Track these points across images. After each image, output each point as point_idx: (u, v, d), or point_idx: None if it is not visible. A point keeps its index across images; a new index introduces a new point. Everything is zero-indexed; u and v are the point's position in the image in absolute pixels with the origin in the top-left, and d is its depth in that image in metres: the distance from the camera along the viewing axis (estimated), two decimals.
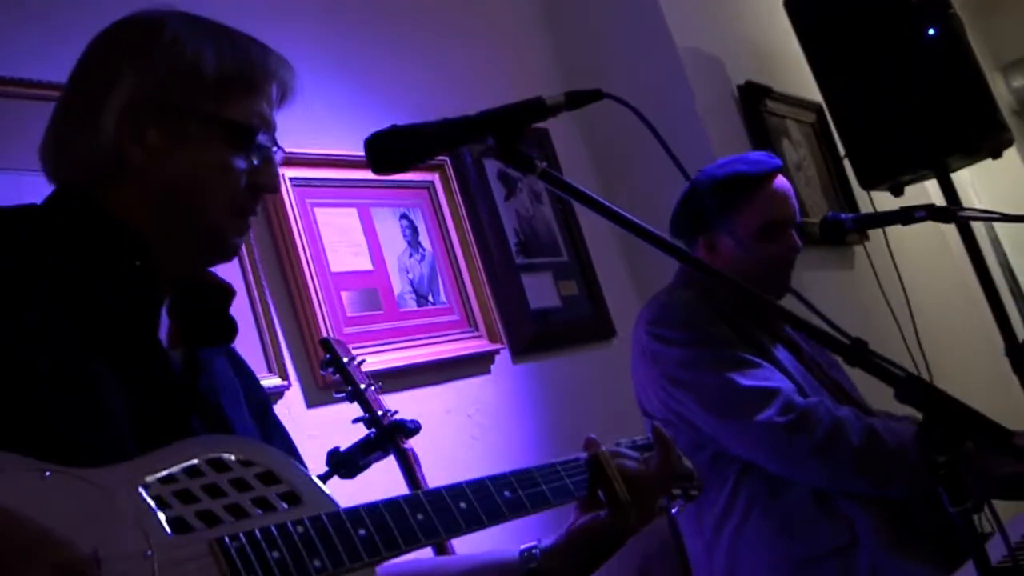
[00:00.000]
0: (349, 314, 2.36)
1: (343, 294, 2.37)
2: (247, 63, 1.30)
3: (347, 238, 2.45)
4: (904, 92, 3.11)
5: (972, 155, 3.29)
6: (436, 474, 1.93)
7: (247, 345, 2.04)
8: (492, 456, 2.56)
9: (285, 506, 1.14)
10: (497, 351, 2.67)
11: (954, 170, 3.30)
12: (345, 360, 1.68)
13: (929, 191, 3.55)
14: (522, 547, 1.38)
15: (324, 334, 2.24)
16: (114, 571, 0.99)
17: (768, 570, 2.03)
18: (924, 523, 1.93)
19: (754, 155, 2.35)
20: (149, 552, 1.04)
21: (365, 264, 2.46)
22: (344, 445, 2.02)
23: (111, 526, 1.04)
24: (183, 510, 1.08)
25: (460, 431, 2.53)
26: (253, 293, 2.18)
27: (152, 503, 1.08)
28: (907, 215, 2.12)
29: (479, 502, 1.25)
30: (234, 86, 1.28)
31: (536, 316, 2.81)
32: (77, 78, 1.30)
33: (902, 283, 2.94)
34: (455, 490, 1.23)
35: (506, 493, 1.27)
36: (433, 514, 1.20)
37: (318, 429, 2.20)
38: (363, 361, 1.73)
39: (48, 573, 0.91)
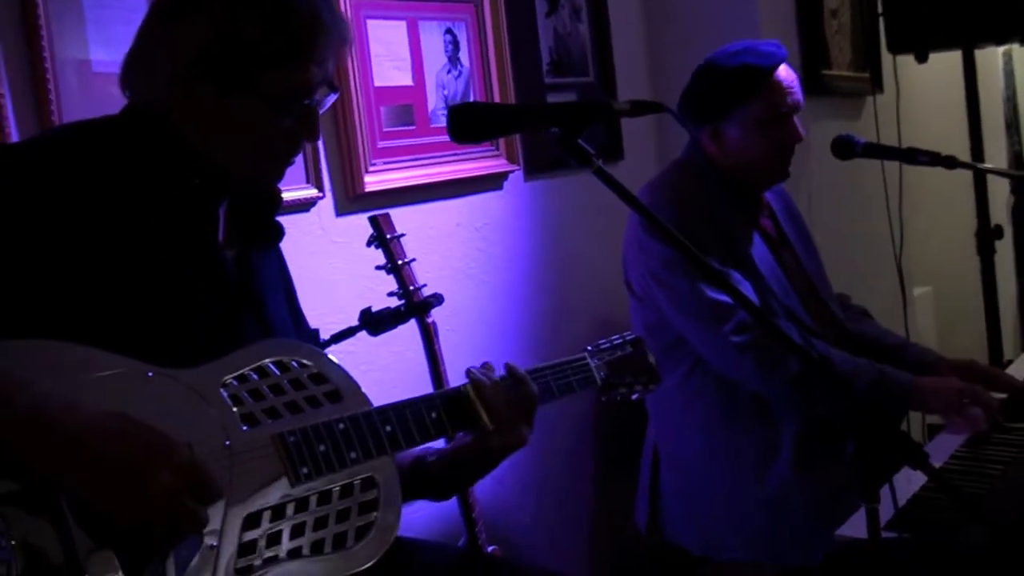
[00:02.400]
0: (385, 128, 2.52)
1: (382, 108, 2.52)
2: (299, 29, 1.41)
3: (392, 52, 2.56)
4: None
5: (1001, 41, 3.38)
6: (440, 283, 2.17)
7: None
8: (493, 268, 2.81)
9: (329, 404, 1.41)
10: (513, 171, 2.85)
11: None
12: (388, 237, 1.88)
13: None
14: (428, 448, 1.64)
15: (360, 149, 2.42)
16: (203, 457, 1.24)
17: (699, 453, 2.36)
18: (843, 453, 2.25)
19: (763, 45, 2.46)
20: (228, 442, 1.31)
21: (406, 79, 2.59)
22: (369, 269, 2.28)
23: (200, 420, 1.30)
24: (253, 407, 1.35)
25: (467, 243, 2.76)
26: None
27: (230, 401, 1.33)
28: (911, 155, 2.28)
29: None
30: (284, 53, 1.41)
31: (553, 137, 2.96)
32: (160, 10, 1.45)
33: (900, 141, 3.13)
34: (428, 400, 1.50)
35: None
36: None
37: (343, 236, 2.42)
38: (403, 235, 1.93)
39: (172, 475, 1.16)
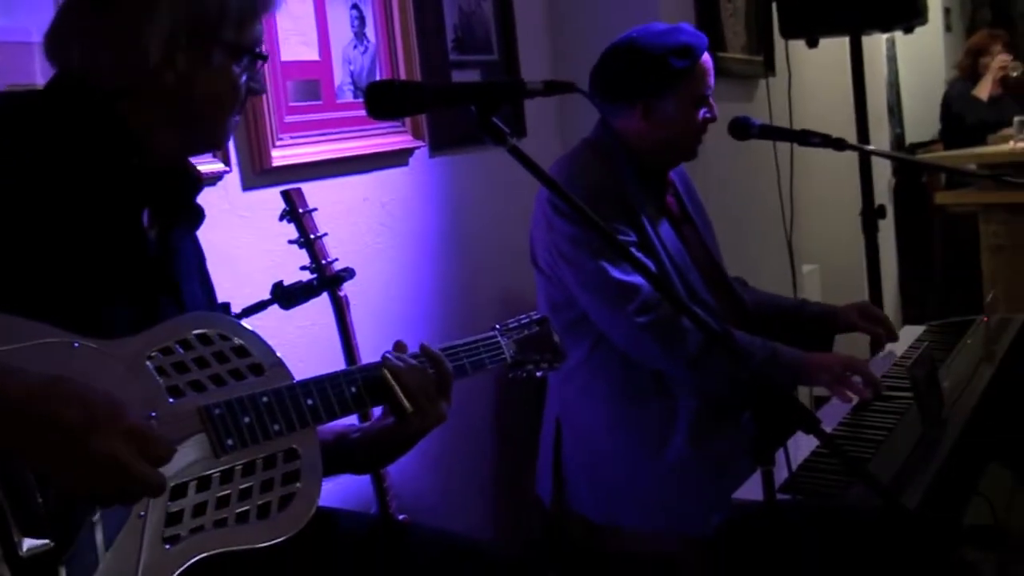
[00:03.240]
0: (292, 103, 2.52)
1: (288, 83, 2.52)
2: None
3: (299, 27, 2.56)
4: None
5: (886, 29, 3.53)
6: (348, 258, 2.19)
7: None
8: (399, 244, 2.84)
9: (253, 377, 1.43)
10: (418, 147, 2.88)
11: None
12: (301, 211, 1.90)
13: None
14: (352, 426, 1.70)
15: (267, 124, 2.42)
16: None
17: (602, 426, 2.45)
18: (739, 422, 2.36)
19: (687, 27, 2.56)
20: (153, 414, 1.33)
21: (312, 54, 2.59)
22: (276, 243, 2.29)
23: (126, 392, 1.29)
24: (178, 379, 1.37)
25: (373, 218, 2.78)
26: None
27: (156, 374, 1.35)
28: (804, 137, 2.39)
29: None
30: (247, 14, 1.47)
31: (457, 113, 2.99)
32: None
33: (791, 123, 3.25)
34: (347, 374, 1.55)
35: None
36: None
37: (249, 211, 2.42)
38: (315, 210, 1.95)
39: (122, 437, 1.16)
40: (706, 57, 2.50)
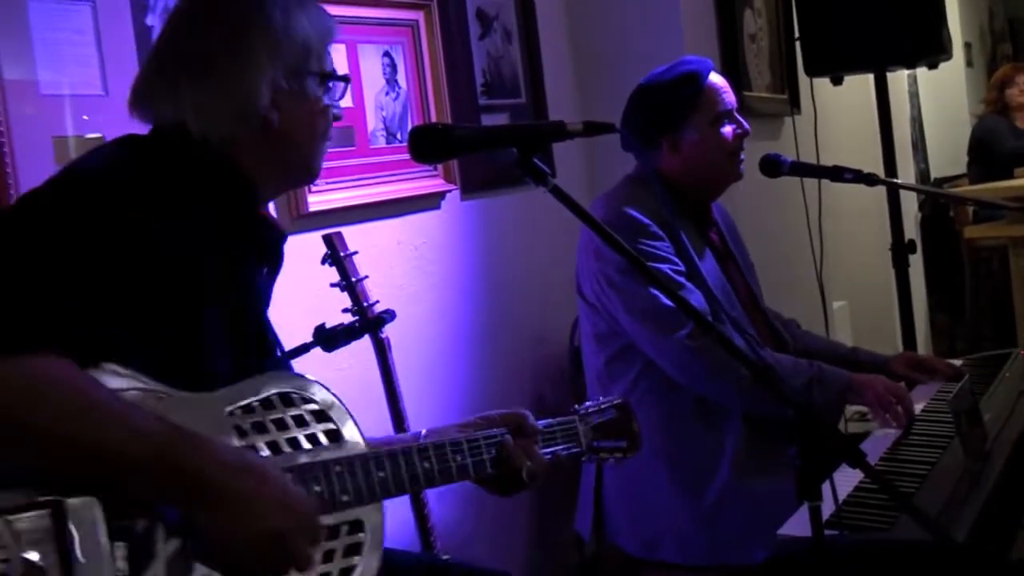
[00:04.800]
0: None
1: None
2: (324, 22, 1.55)
3: None
4: None
5: (911, 65, 3.55)
6: (382, 300, 2.19)
7: None
8: (433, 286, 2.86)
9: (328, 443, 1.43)
10: (450, 190, 2.91)
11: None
12: (342, 255, 1.92)
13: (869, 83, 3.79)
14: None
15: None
16: None
17: (642, 459, 2.42)
18: (783, 457, 2.35)
19: (687, 58, 2.62)
20: None
21: (346, 101, 2.62)
22: (313, 287, 2.31)
23: None
24: (256, 439, 1.36)
25: (406, 261, 2.80)
26: None
27: (235, 432, 1.35)
28: (836, 173, 2.40)
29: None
30: (325, 41, 1.54)
31: (488, 156, 3.02)
32: (203, 41, 1.49)
33: (818, 159, 3.26)
34: (455, 444, 1.57)
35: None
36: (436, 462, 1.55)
37: (287, 256, 2.45)
38: (356, 253, 1.97)
39: (311, 544, 1.30)
40: (714, 78, 2.54)
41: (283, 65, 1.48)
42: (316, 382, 1.46)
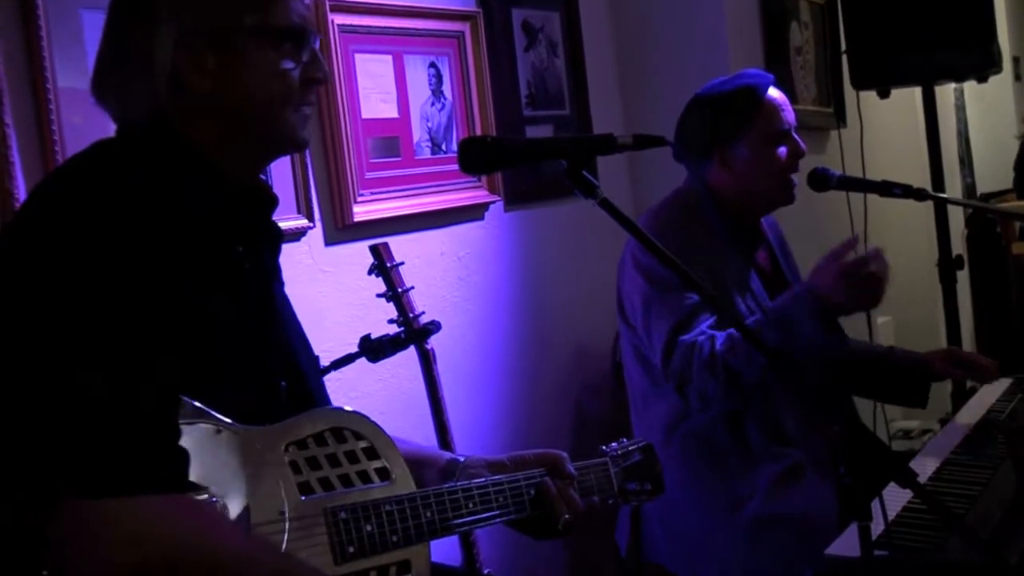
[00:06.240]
0: (372, 159, 2.56)
1: (369, 140, 2.57)
2: None
3: (379, 85, 2.61)
4: (913, 5, 3.27)
5: (960, 80, 3.51)
6: (427, 311, 2.20)
7: (281, 187, 2.25)
8: (475, 296, 2.86)
9: (379, 482, 1.43)
10: (494, 201, 2.91)
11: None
12: (388, 265, 1.92)
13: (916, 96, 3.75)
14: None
15: (349, 179, 2.46)
16: (258, 519, 1.30)
17: (678, 483, 2.38)
18: (816, 485, 2.31)
19: (748, 71, 2.56)
20: (283, 510, 1.33)
21: (392, 112, 2.64)
22: (358, 297, 2.32)
23: (261, 483, 1.32)
24: (310, 475, 1.37)
25: (450, 272, 2.80)
26: None
27: (290, 468, 1.35)
28: (885, 188, 2.36)
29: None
30: None
31: (532, 168, 3.03)
32: (116, 20, 1.38)
33: (864, 173, 3.22)
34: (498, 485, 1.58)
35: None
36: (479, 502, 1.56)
37: (332, 266, 2.46)
38: (402, 264, 1.97)
39: None
40: (774, 94, 2.46)
41: (195, 22, 1.32)
42: (367, 419, 1.46)
